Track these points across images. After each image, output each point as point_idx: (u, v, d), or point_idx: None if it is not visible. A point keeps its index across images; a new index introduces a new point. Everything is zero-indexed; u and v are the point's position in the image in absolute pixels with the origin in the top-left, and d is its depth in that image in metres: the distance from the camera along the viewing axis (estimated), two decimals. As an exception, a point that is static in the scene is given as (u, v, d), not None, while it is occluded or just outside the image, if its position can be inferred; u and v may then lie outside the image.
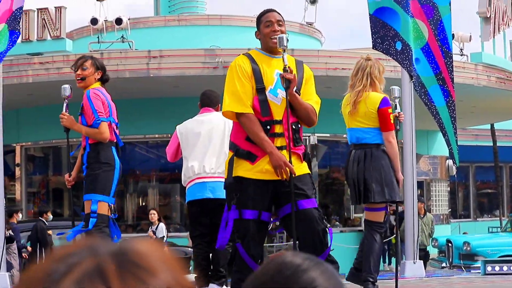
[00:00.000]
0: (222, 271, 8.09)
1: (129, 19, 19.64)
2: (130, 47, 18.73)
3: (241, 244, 5.90)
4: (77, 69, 7.59)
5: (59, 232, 13.00)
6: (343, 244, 18.12)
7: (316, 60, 17.17)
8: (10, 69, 16.93)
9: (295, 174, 5.82)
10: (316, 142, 20.55)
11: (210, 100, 8.53)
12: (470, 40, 20.11)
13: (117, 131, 7.64)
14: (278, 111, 5.93)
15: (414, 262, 10.75)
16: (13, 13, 8.17)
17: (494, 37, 20.17)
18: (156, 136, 20.39)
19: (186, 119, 8.66)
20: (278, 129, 5.91)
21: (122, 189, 20.18)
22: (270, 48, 6.08)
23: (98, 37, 19.22)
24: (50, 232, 15.66)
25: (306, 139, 19.49)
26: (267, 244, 17.40)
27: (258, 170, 5.87)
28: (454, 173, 24.35)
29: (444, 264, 18.25)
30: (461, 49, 19.81)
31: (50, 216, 16.09)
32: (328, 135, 20.57)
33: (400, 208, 10.40)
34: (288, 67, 5.87)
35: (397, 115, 7.96)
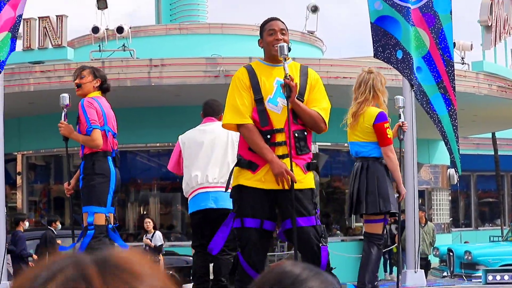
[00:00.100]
0: (224, 281, 8.07)
1: (130, 28, 19.63)
2: (132, 55, 18.74)
3: (241, 253, 5.91)
4: (75, 78, 7.66)
5: (61, 246, 13.04)
6: (344, 253, 18.11)
7: (317, 68, 17.08)
8: (12, 78, 16.94)
9: (296, 181, 5.82)
10: (317, 151, 20.55)
11: (212, 109, 8.51)
12: (471, 49, 20.10)
13: (114, 141, 7.63)
14: (279, 120, 5.93)
15: (415, 271, 10.72)
16: (16, 21, 8.18)
17: (495, 45, 20.17)
18: (158, 144, 20.39)
19: (187, 128, 8.65)
20: (279, 137, 5.92)
21: (123, 198, 20.19)
22: (273, 57, 6.09)
23: (99, 46, 19.23)
24: (59, 241, 15.67)
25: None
26: (268, 253, 17.33)
27: (257, 179, 5.89)
28: (456, 182, 24.32)
29: (445, 273, 18.21)
30: (462, 58, 19.80)
31: (59, 226, 16.11)
32: (329, 144, 20.56)
33: (402, 217, 10.40)
34: (289, 75, 5.87)
35: (401, 124, 8.01)
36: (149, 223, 15.63)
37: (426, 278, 11.20)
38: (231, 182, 6.18)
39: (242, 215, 5.91)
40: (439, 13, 9.00)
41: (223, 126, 6.20)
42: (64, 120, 7.58)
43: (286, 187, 5.79)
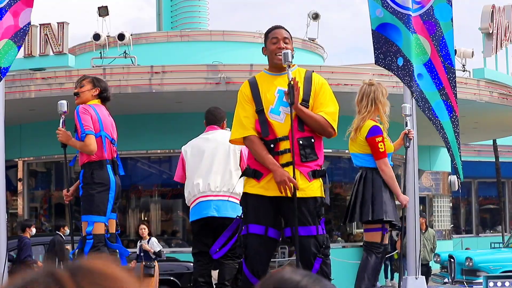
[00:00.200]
0: (227, 285, 8.08)
1: (131, 35, 19.65)
2: (133, 62, 18.75)
3: (245, 260, 5.94)
4: (76, 87, 7.71)
5: (72, 251, 13.05)
6: (344, 260, 18.10)
7: (318, 75, 17.16)
8: (13, 84, 16.95)
9: (298, 188, 5.82)
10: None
11: (215, 117, 8.49)
12: (472, 56, 20.11)
13: (113, 147, 7.62)
14: (282, 128, 5.94)
15: (416, 278, 10.72)
16: (22, 29, 8.15)
17: (496, 53, 20.17)
18: (158, 151, 20.37)
19: (188, 134, 8.66)
20: (283, 146, 5.92)
21: (124, 205, 20.17)
22: (276, 65, 6.09)
23: (100, 53, 19.25)
24: (68, 247, 15.66)
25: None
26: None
27: (261, 186, 5.92)
28: (457, 188, 24.29)
29: (446, 280, 18.18)
30: (464, 65, 19.81)
31: (67, 231, 16.11)
32: (330, 150, 20.51)
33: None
34: (293, 79, 5.87)
35: (407, 132, 8.08)
36: (144, 229, 15.60)
37: (427, 284, 11.20)
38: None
39: (247, 222, 5.95)
40: (440, 20, 9.02)
41: (231, 142, 6.30)
42: (62, 127, 7.58)
43: (289, 194, 5.78)
